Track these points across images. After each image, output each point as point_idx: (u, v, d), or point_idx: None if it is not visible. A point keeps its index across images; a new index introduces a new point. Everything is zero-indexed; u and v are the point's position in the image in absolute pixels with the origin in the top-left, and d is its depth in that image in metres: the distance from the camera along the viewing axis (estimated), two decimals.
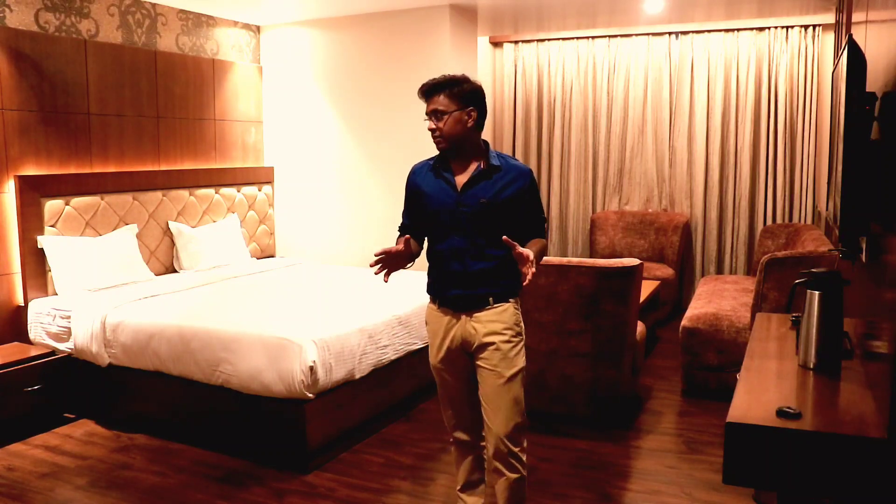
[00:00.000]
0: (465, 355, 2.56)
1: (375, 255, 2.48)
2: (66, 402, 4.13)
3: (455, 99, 2.46)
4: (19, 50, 4.27)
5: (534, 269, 2.33)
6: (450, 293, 2.53)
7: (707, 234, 6.61)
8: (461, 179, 2.52)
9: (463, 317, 2.52)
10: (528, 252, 2.33)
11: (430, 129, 2.50)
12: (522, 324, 2.58)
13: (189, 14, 5.47)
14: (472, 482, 2.74)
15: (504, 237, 2.38)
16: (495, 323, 2.49)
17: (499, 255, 2.48)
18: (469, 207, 2.48)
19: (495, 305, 2.50)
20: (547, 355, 3.88)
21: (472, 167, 2.51)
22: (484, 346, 2.50)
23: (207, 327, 3.71)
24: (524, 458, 2.57)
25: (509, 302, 2.53)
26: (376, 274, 2.51)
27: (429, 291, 2.64)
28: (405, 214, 2.71)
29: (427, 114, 2.51)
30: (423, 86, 2.51)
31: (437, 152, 2.58)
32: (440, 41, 5.37)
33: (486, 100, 2.58)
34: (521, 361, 2.53)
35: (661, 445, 3.72)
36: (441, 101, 2.47)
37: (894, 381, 1.55)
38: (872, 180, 1.98)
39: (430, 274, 2.63)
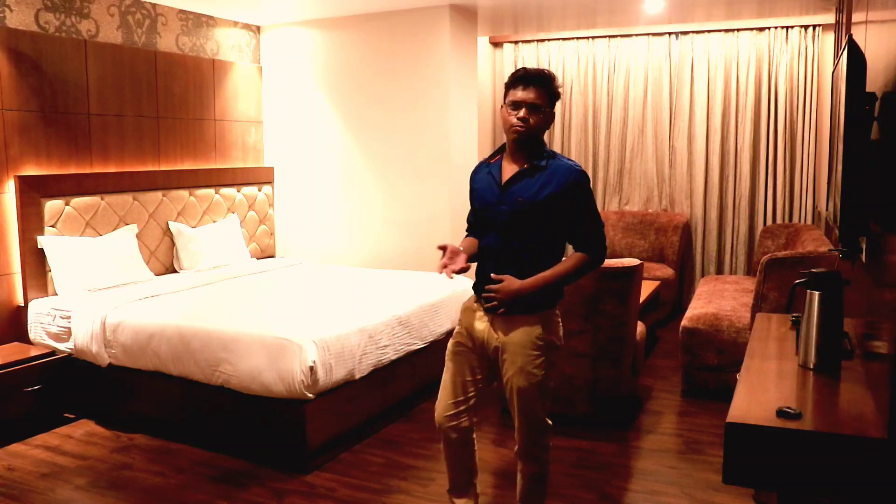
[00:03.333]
0: (477, 354, 2.56)
1: (440, 248, 2.49)
2: (66, 403, 4.13)
3: (550, 97, 2.43)
4: (19, 50, 4.27)
5: (500, 296, 2.35)
6: (482, 291, 2.50)
7: (707, 234, 6.61)
8: (507, 177, 2.48)
9: (490, 317, 2.50)
10: (508, 282, 2.36)
11: (519, 118, 2.39)
12: (554, 338, 2.50)
13: (189, 14, 5.47)
14: (460, 484, 2.68)
15: (492, 274, 2.41)
16: (516, 333, 2.45)
17: (533, 258, 2.44)
18: (508, 206, 2.44)
19: (521, 316, 2.45)
20: None
21: (521, 166, 2.46)
22: (502, 355, 2.48)
23: (207, 327, 3.71)
24: (546, 456, 2.58)
25: (536, 314, 2.45)
26: (440, 272, 2.47)
27: (473, 286, 2.62)
28: (470, 213, 2.70)
29: (516, 102, 2.41)
30: (527, 72, 2.43)
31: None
32: (440, 41, 5.37)
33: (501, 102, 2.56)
34: (538, 374, 2.46)
35: (661, 445, 3.72)
36: (540, 95, 2.40)
37: (894, 381, 1.55)
38: (872, 180, 1.98)
39: (476, 268, 2.61)
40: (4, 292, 4.30)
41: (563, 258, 2.50)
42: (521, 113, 2.40)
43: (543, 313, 2.48)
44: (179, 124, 5.36)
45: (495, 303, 2.41)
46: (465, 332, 2.58)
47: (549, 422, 2.57)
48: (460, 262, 2.48)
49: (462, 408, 2.59)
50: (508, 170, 2.49)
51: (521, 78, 2.42)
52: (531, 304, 2.44)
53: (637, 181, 6.84)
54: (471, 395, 2.59)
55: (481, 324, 2.52)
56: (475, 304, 2.57)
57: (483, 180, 2.55)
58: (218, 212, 5.63)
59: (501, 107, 2.47)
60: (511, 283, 2.40)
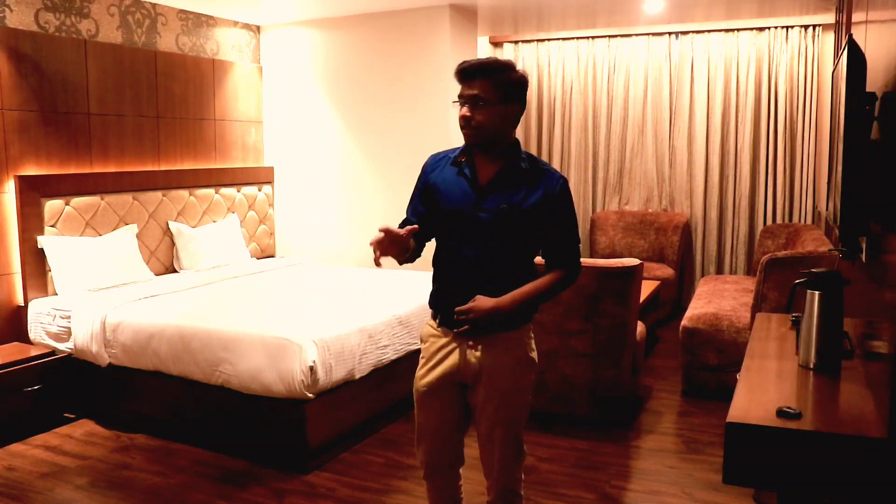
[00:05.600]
0: (457, 387, 2.23)
1: (380, 230, 2.09)
2: (66, 403, 4.13)
3: (499, 89, 2.10)
4: (19, 50, 4.27)
5: (474, 316, 2.07)
6: (452, 310, 2.15)
7: (707, 234, 6.61)
8: (484, 179, 2.17)
9: (462, 340, 2.18)
10: (479, 301, 2.08)
11: (461, 117, 2.11)
12: (534, 355, 2.24)
13: (189, 14, 5.47)
14: None
15: (457, 306, 2.11)
16: (500, 356, 2.16)
17: (512, 272, 2.16)
18: (488, 213, 2.13)
19: (502, 333, 2.16)
20: (547, 355, 3.88)
21: (498, 167, 2.17)
22: (484, 382, 2.18)
23: (207, 327, 3.71)
24: (520, 490, 2.30)
25: (520, 329, 2.19)
26: (372, 247, 2.09)
27: (430, 304, 2.30)
28: (410, 209, 2.32)
29: (460, 97, 2.13)
30: (468, 63, 2.12)
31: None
32: (440, 41, 5.38)
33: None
34: (525, 398, 2.21)
35: (661, 445, 3.72)
36: (483, 87, 2.08)
37: (894, 381, 1.55)
38: (872, 180, 1.98)
39: (434, 283, 2.29)
40: (4, 292, 4.30)
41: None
42: (464, 109, 2.11)
43: (525, 328, 2.22)
44: (179, 124, 5.36)
45: (467, 326, 2.11)
46: (431, 366, 2.24)
47: (525, 450, 2.30)
48: (392, 250, 2.13)
49: (444, 453, 2.31)
50: (484, 171, 2.18)
51: (462, 71, 2.12)
52: (512, 320, 2.16)
53: (637, 181, 6.83)
54: (453, 438, 2.29)
55: (451, 351, 2.20)
56: (439, 328, 2.24)
57: (451, 181, 2.21)
58: (218, 212, 5.63)
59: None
60: (483, 302, 2.09)
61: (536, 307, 2.25)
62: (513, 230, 2.14)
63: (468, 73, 2.11)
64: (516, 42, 7.15)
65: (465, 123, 2.12)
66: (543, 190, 2.14)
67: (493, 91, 2.10)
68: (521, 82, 2.15)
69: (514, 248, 2.16)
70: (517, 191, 2.14)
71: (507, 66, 2.14)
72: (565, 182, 2.18)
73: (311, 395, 3.40)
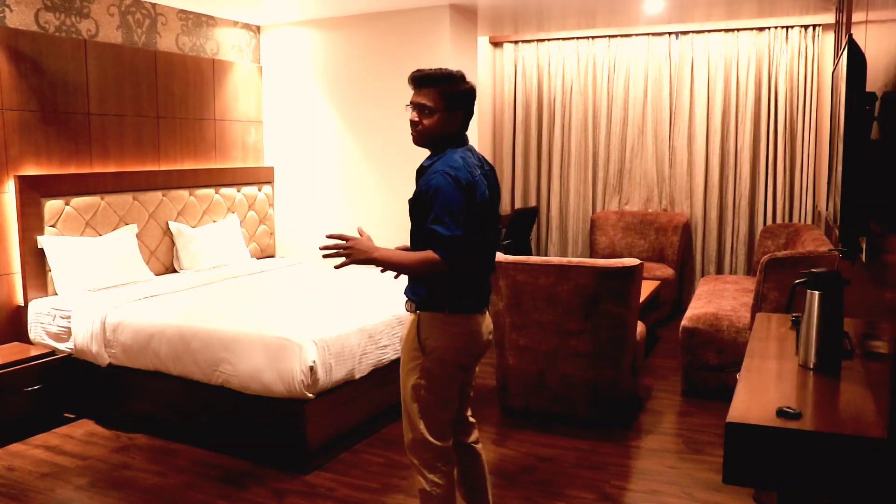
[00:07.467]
0: None
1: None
2: (66, 403, 4.12)
3: (445, 98, 2.34)
4: (19, 50, 4.27)
5: (336, 251, 2.31)
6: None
7: (707, 234, 6.61)
8: None
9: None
10: (351, 238, 2.32)
11: (411, 120, 2.38)
12: (430, 341, 2.36)
13: (189, 14, 5.47)
14: (463, 493, 2.60)
15: (358, 227, 2.48)
16: (408, 331, 2.44)
17: None
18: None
19: (413, 314, 2.43)
20: (547, 355, 3.88)
21: None
22: None
23: (207, 327, 3.71)
24: (428, 475, 2.40)
25: (417, 314, 2.40)
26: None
27: None
28: None
29: (412, 103, 2.38)
30: (417, 73, 2.38)
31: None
32: (440, 41, 5.37)
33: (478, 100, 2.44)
34: (413, 378, 2.39)
35: (661, 445, 3.72)
36: (430, 97, 2.33)
37: (894, 381, 1.55)
38: (872, 180, 1.98)
39: None
40: (4, 292, 4.30)
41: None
42: (413, 115, 2.37)
43: (423, 314, 2.38)
44: (179, 124, 5.36)
45: (334, 252, 2.33)
46: None
47: (433, 443, 2.39)
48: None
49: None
50: None
51: (413, 79, 2.39)
52: (421, 304, 2.39)
53: (637, 181, 6.84)
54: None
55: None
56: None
57: None
58: (218, 212, 5.63)
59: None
60: (363, 239, 2.34)
61: (452, 299, 2.37)
62: (412, 218, 2.40)
63: (418, 81, 2.37)
64: (516, 42, 7.15)
65: (412, 127, 2.39)
66: (421, 185, 2.35)
67: (440, 100, 2.34)
68: (466, 93, 2.39)
69: (415, 238, 2.39)
70: (419, 185, 2.38)
71: (456, 77, 2.38)
72: (438, 174, 2.27)
73: (311, 395, 3.41)
